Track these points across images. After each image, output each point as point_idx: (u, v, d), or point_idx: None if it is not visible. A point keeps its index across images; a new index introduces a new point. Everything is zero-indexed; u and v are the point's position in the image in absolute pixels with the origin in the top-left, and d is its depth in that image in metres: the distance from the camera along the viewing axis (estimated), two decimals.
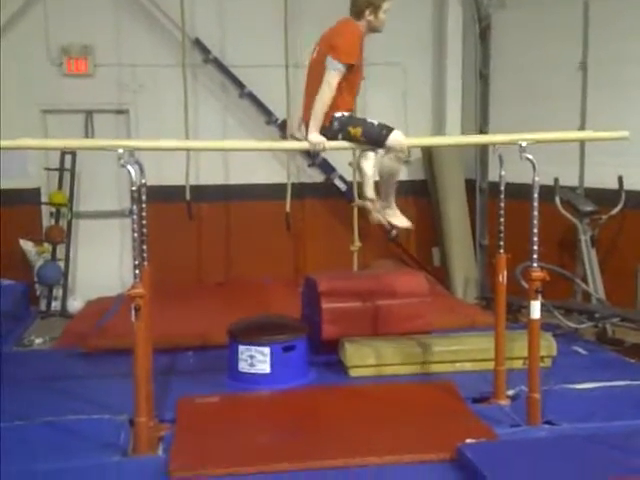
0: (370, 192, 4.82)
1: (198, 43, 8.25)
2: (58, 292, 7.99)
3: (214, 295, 7.83)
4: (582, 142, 7.27)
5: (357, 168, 5.01)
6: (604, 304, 6.84)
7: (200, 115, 8.25)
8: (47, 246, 8.01)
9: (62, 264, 8.04)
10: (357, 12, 4.52)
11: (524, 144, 4.36)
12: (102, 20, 8.09)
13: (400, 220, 4.86)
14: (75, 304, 7.96)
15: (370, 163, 4.78)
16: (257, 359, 5.32)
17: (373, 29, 4.59)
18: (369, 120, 4.57)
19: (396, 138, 4.47)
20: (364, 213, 8.26)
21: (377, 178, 4.78)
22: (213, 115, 8.39)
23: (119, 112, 8.33)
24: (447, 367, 5.53)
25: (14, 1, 7.84)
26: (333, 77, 4.38)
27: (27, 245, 8.01)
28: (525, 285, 4.72)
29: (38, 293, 8.00)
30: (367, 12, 4.50)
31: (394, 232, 8.66)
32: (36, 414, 4.67)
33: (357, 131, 4.49)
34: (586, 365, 5.78)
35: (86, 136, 8.11)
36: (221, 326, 5.72)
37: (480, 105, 8.55)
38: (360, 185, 7.93)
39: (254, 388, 5.27)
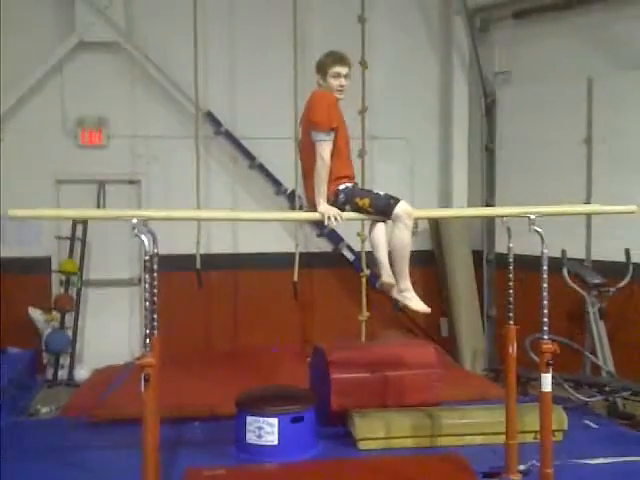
0: (387, 277, 4.81)
1: (210, 116, 8.43)
2: (65, 360, 7.97)
3: (222, 364, 7.79)
4: (589, 215, 7.32)
5: (370, 242, 5.03)
6: (614, 377, 6.78)
7: (211, 185, 8.38)
8: (56, 314, 8.02)
9: (70, 332, 8.04)
10: (321, 78, 4.65)
11: (533, 217, 4.41)
12: (116, 92, 8.30)
13: (418, 305, 4.72)
14: (82, 373, 7.93)
15: (382, 239, 4.81)
16: (265, 430, 5.27)
17: (333, 93, 4.64)
18: (375, 191, 4.64)
19: (403, 208, 4.53)
20: (371, 283, 8.39)
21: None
22: (223, 185, 8.52)
23: (131, 182, 8.47)
24: (457, 440, 5.47)
25: (32, 74, 8.06)
26: (323, 148, 4.47)
27: (35, 313, 8.02)
28: (535, 357, 4.71)
29: (45, 361, 7.97)
30: (319, 77, 4.65)
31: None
32: None
33: (365, 202, 4.56)
34: (597, 439, 5.71)
35: (98, 206, 8.22)
36: (229, 396, 5.69)
37: (486, 178, 8.67)
38: (369, 255, 8.07)
39: (261, 460, 5.21)
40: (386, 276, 4.80)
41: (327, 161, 4.48)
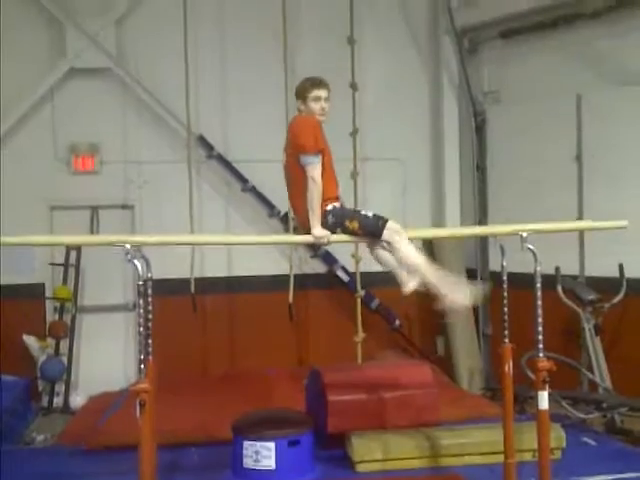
0: (409, 285, 4.64)
1: (202, 140, 8.46)
2: (60, 387, 7.93)
3: (218, 388, 7.75)
4: (582, 231, 7.34)
5: (376, 261, 4.96)
6: (611, 393, 6.77)
7: (204, 209, 8.38)
8: (50, 341, 7.99)
9: (65, 359, 8.00)
10: (300, 103, 4.68)
11: (525, 234, 4.42)
12: (108, 118, 8.33)
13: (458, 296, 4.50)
14: (77, 399, 7.88)
15: (384, 252, 4.77)
16: (262, 455, 5.23)
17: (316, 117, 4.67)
18: (362, 212, 4.62)
19: (392, 228, 4.53)
20: (366, 303, 8.39)
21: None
22: (217, 209, 8.53)
23: (124, 207, 8.47)
24: (456, 460, 5.44)
25: (23, 100, 8.08)
26: (313, 169, 4.48)
27: (30, 340, 7.98)
28: (531, 375, 4.70)
29: (40, 389, 7.93)
30: (298, 103, 4.68)
31: (397, 322, 8.68)
32: None
33: (354, 225, 4.55)
34: (596, 456, 5.68)
35: (91, 231, 8.22)
36: (225, 420, 5.66)
37: (478, 196, 8.71)
38: (363, 276, 8.08)
39: None
40: (407, 285, 4.70)
41: (319, 183, 4.50)
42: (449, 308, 4.53)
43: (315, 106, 4.62)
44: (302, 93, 4.65)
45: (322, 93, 4.64)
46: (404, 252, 4.52)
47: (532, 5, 7.93)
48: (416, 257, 4.53)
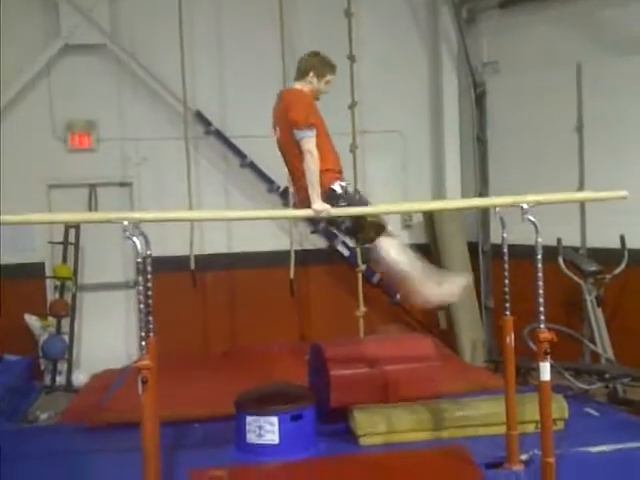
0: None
1: (199, 115, 8.39)
2: (63, 366, 7.94)
3: (220, 365, 7.77)
4: (583, 202, 7.31)
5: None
6: (614, 364, 6.78)
7: (202, 185, 8.34)
8: (52, 320, 8.00)
9: (67, 338, 8.00)
10: (302, 73, 4.72)
11: (525, 206, 4.38)
12: (105, 96, 8.26)
13: (454, 285, 4.72)
14: (80, 378, 7.90)
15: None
16: (265, 429, 5.24)
17: (314, 93, 4.72)
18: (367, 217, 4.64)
19: (386, 242, 4.59)
20: (367, 278, 8.38)
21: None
22: (215, 185, 8.49)
23: (122, 185, 8.43)
24: (459, 432, 5.44)
25: (19, 79, 8.02)
26: (308, 143, 4.49)
27: (31, 319, 7.99)
28: (533, 347, 4.69)
29: (43, 367, 7.95)
30: (311, 74, 4.68)
31: (398, 296, 8.67)
32: None
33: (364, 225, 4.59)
34: (599, 427, 5.68)
35: (90, 209, 8.19)
36: (228, 396, 5.64)
37: (479, 168, 8.66)
38: (364, 250, 8.06)
39: (262, 460, 5.17)
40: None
41: (316, 155, 4.49)
42: (425, 303, 4.68)
43: (324, 88, 4.71)
44: (321, 72, 4.68)
45: (333, 78, 4.75)
46: (387, 252, 4.56)
47: None
48: (402, 262, 4.59)
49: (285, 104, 4.66)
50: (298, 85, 4.77)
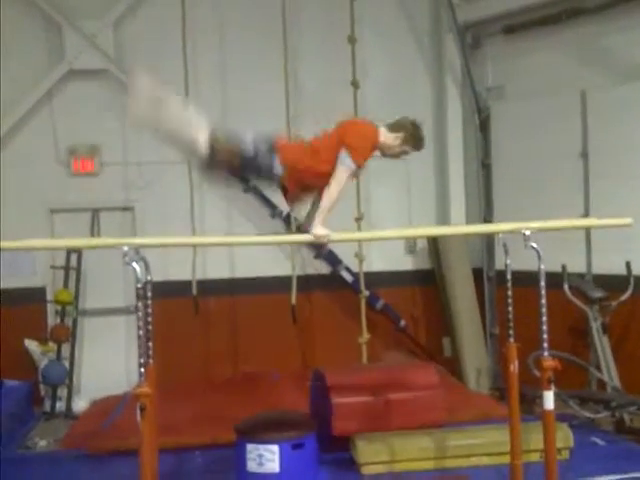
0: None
1: None
2: (63, 392, 7.86)
3: (221, 391, 7.69)
4: (588, 229, 7.26)
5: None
6: (620, 392, 6.69)
7: (205, 210, 8.32)
8: (52, 345, 7.93)
9: (67, 363, 7.94)
10: (394, 125, 4.51)
11: (528, 232, 4.34)
12: (108, 120, 8.24)
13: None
14: (80, 404, 7.81)
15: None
16: (266, 458, 5.16)
17: (381, 149, 4.52)
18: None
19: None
20: (371, 304, 8.32)
21: None
22: (218, 210, 8.45)
23: (125, 209, 8.41)
24: (462, 462, 5.39)
25: (22, 103, 8.04)
26: (344, 173, 4.31)
27: (32, 345, 7.93)
28: (538, 374, 4.62)
29: (42, 393, 7.87)
30: (401, 133, 4.48)
31: (403, 323, 8.61)
32: None
33: None
34: (605, 456, 5.62)
35: (92, 234, 8.16)
36: (229, 424, 5.58)
37: (484, 194, 8.62)
38: (367, 276, 8.03)
39: None
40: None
41: (342, 188, 4.32)
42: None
43: (394, 153, 4.53)
44: (408, 139, 4.50)
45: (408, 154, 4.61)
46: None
47: (535, 0, 7.84)
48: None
49: (359, 128, 4.48)
50: (382, 127, 4.55)
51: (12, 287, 7.84)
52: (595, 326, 6.99)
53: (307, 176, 4.39)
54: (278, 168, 4.35)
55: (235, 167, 4.42)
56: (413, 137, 4.53)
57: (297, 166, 4.36)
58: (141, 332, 4.15)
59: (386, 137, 4.48)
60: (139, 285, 4.15)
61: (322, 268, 8.64)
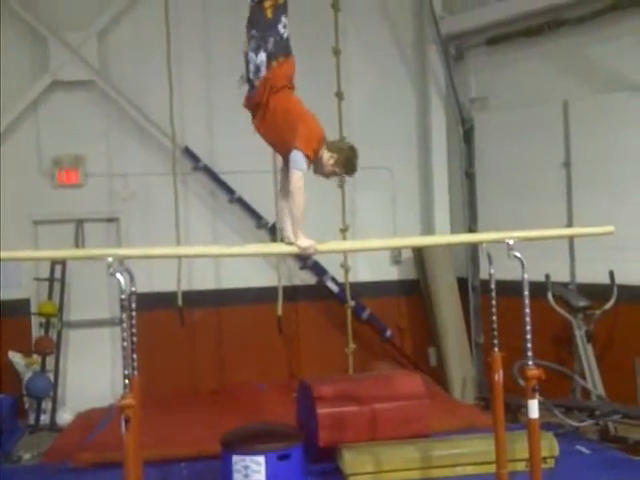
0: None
1: (188, 151, 8.39)
2: (47, 405, 7.80)
3: (207, 403, 7.68)
4: (571, 238, 7.30)
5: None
6: (604, 401, 6.72)
7: (191, 221, 8.30)
8: (36, 357, 7.87)
9: (51, 376, 7.88)
10: (333, 148, 4.48)
11: (511, 242, 4.37)
12: (92, 131, 8.25)
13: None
14: (65, 416, 7.76)
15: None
16: (252, 469, 5.15)
17: (315, 163, 4.46)
18: None
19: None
20: (357, 314, 8.32)
21: None
22: (203, 221, 8.45)
23: (110, 220, 8.39)
24: (448, 471, 5.39)
25: (6, 115, 8.01)
26: (299, 180, 4.28)
27: (16, 357, 7.87)
28: (523, 383, 4.64)
29: (27, 406, 7.81)
30: (331, 153, 4.44)
31: (389, 333, 8.62)
32: None
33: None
34: (590, 465, 5.64)
35: (76, 245, 8.12)
36: (215, 435, 5.58)
37: (468, 204, 8.66)
38: (353, 286, 8.03)
39: None
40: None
41: (303, 192, 4.29)
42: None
43: (325, 172, 4.52)
44: (344, 165, 4.52)
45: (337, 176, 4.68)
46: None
47: (517, 12, 7.92)
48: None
49: (296, 115, 4.42)
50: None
51: None
52: (579, 335, 7.03)
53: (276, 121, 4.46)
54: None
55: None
56: (347, 161, 4.54)
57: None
58: (126, 344, 4.13)
59: (324, 152, 4.45)
60: (123, 296, 4.14)
61: (308, 279, 8.65)
